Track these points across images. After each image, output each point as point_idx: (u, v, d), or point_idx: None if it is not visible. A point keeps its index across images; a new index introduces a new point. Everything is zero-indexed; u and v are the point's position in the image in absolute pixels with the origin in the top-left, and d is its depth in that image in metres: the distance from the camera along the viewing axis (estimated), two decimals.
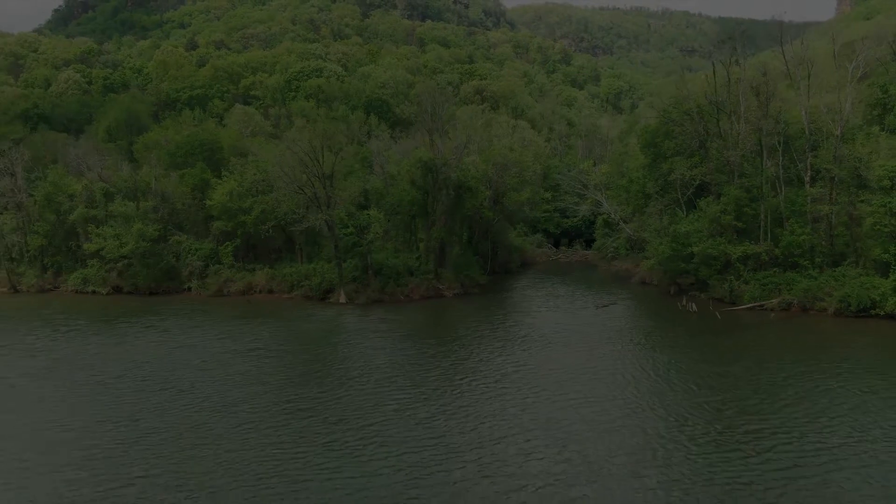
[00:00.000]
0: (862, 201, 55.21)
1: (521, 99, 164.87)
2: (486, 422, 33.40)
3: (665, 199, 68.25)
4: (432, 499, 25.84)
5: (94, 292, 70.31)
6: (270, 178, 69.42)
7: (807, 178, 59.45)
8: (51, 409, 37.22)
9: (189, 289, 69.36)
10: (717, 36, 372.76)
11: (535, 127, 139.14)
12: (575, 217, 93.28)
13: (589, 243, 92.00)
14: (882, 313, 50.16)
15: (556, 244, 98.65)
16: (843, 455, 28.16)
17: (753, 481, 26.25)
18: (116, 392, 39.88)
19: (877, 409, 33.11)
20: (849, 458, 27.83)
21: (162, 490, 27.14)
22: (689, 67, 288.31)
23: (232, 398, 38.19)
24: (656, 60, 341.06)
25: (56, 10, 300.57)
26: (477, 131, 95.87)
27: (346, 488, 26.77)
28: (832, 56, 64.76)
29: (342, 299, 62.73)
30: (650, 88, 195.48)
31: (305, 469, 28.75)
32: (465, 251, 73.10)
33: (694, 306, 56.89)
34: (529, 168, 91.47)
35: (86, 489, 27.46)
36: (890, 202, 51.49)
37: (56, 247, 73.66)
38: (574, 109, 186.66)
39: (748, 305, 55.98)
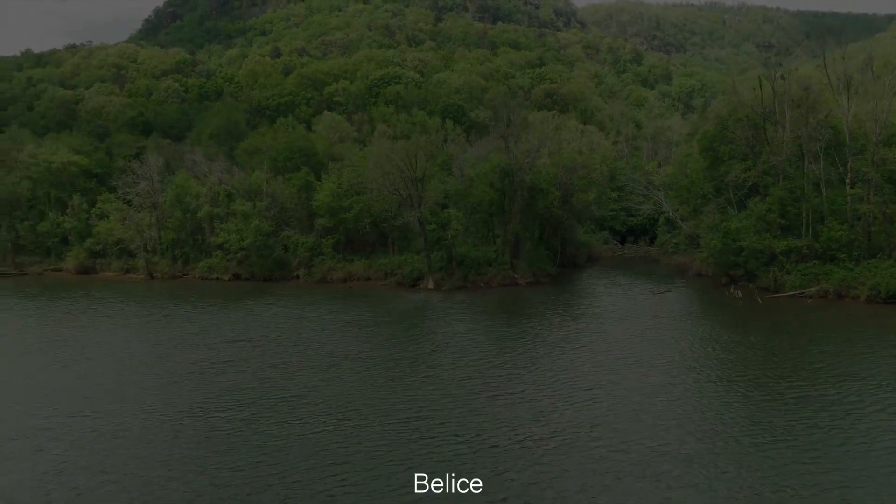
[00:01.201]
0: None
1: (591, 101, 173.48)
2: (543, 364, 45.15)
3: (720, 200, 77.03)
4: (500, 405, 37.08)
5: (217, 278, 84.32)
6: (365, 180, 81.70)
7: (847, 181, 67.54)
8: (216, 356, 49.94)
9: (297, 276, 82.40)
10: (795, 30, 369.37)
11: (604, 129, 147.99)
12: (640, 216, 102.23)
13: (653, 240, 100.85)
14: None
15: (623, 241, 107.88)
16: (808, 386, 37.82)
17: (731, 396, 36.68)
18: (261, 347, 52.42)
19: (866, 365, 42.38)
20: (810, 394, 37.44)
21: (307, 403, 39.07)
22: (766, 63, 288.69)
23: (347, 352, 50.36)
24: (731, 57, 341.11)
25: (146, 20, 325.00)
26: (548, 135, 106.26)
27: (434, 400, 38.45)
28: (882, 67, 72.36)
29: (430, 286, 74.42)
30: (722, 87, 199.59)
31: (403, 389, 40.64)
32: (537, 246, 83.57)
33: (739, 293, 66.04)
34: (597, 170, 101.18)
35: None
36: None
37: (184, 240, 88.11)
38: (644, 110, 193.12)
39: (789, 293, 64.68)
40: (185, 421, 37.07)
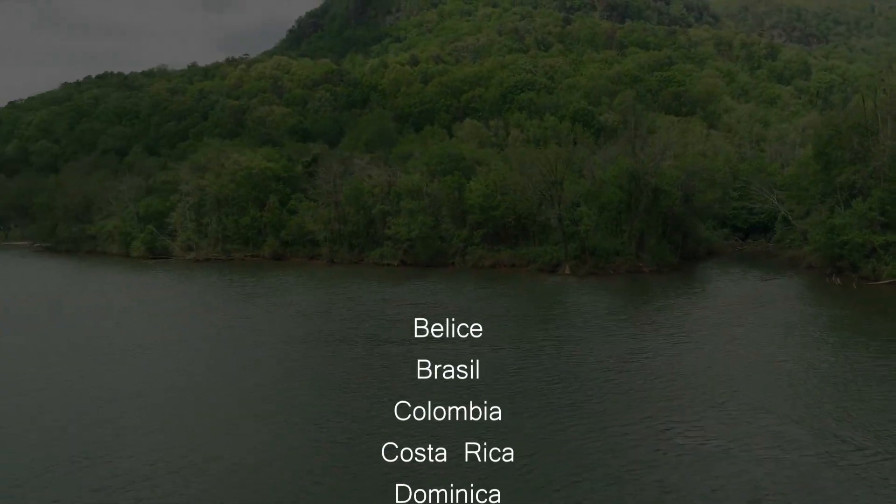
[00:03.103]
0: None
1: (720, 103, 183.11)
2: (654, 322, 62.33)
3: (830, 201, 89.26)
4: (595, 341, 53.90)
5: (387, 264, 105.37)
6: (509, 182, 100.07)
7: None
8: (407, 312, 69.54)
9: (453, 263, 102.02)
10: None
11: (732, 131, 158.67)
12: (761, 214, 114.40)
13: (773, 236, 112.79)
14: None
15: (745, 237, 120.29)
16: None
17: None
18: (438, 307, 71.86)
19: None
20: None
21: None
22: None
23: (501, 312, 69.12)
24: (880, 47, 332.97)
25: (290, 31, 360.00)
26: (673, 139, 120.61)
27: (559, 344, 55.68)
28: None
29: (566, 271, 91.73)
30: (865, 82, 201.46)
31: (537, 340, 58.38)
32: (660, 240, 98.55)
33: (838, 280, 78.99)
34: (720, 171, 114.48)
35: None
36: None
37: (359, 232, 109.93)
38: (776, 108, 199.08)
39: (886, 281, 77.02)
40: (408, 347, 56.78)
